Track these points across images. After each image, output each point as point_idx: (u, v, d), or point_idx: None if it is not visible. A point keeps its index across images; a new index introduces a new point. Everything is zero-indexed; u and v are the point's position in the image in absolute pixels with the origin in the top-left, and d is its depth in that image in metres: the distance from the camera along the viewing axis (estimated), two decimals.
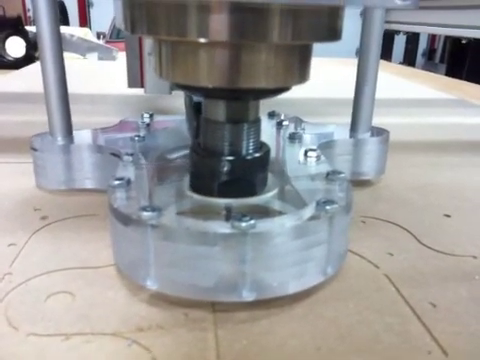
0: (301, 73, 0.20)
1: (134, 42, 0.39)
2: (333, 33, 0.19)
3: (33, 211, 0.26)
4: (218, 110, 0.21)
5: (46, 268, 0.21)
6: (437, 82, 0.88)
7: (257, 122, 0.22)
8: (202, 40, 0.17)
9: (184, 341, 0.17)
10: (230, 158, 0.21)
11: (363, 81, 0.31)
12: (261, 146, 0.23)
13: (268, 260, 0.18)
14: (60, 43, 0.28)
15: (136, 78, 0.40)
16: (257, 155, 0.22)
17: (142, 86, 0.41)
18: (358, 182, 0.32)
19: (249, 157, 0.22)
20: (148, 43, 0.38)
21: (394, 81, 0.86)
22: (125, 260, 0.19)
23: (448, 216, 0.28)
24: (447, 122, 0.54)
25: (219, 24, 0.17)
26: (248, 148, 0.22)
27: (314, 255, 0.19)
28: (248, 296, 0.18)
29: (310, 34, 0.18)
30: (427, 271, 0.22)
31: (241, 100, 0.21)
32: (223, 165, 0.21)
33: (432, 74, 1.03)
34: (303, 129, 0.32)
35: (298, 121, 0.35)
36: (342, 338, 0.17)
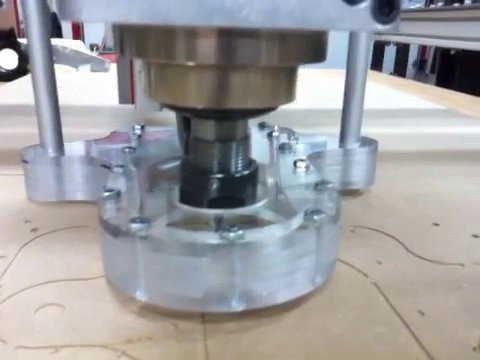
0: (288, 93, 0.20)
1: (125, 59, 0.39)
2: (318, 55, 0.20)
3: (24, 223, 0.26)
4: (207, 129, 0.22)
5: (36, 280, 0.21)
6: (427, 93, 0.89)
7: (246, 140, 0.22)
8: (190, 63, 0.18)
9: (173, 352, 0.17)
10: (219, 176, 0.21)
11: (351, 92, 0.31)
12: (250, 163, 0.23)
13: (257, 270, 0.18)
14: (51, 55, 0.28)
15: (127, 95, 0.40)
16: (246, 172, 0.22)
17: (133, 102, 0.41)
18: (348, 192, 0.32)
19: (238, 175, 0.22)
20: (138, 61, 0.39)
21: (384, 92, 0.87)
22: (115, 272, 0.19)
23: (437, 225, 0.28)
24: (437, 132, 0.54)
25: (207, 48, 0.17)
26: (237, 166, 0.22)
27: (303, 265, 0.19)
28: (237, 306, 0.18)
29: (296, 57, 0.19)
30: (416, 280, 0.22)
31: (229, 120, 0.21)
32: (212, 183, 0.21)
33: (422, 84, 1.05)
34: (293, 140, 0.33)
35: (288, 132, 0.35)
36: (331, 347, 0.18)
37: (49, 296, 0.20)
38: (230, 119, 0.21)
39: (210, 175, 0.21)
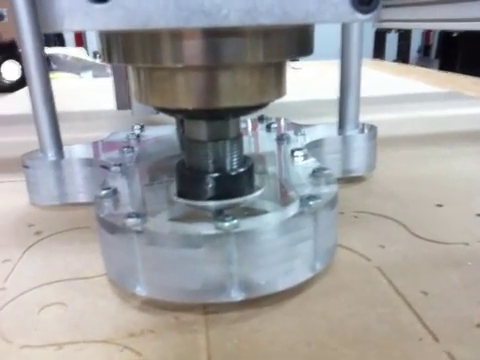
0: (277, 88, 0.20)
1: (120, 65, 0.39)
2: (304, 48, 0.20)
3: (27, 227, 0.27)
4: (200, 130, 0.21)
5: (39, 281, 0.21)
6: (430, 77, 0.88)
7: (239, 138, 0.22)
8: (178, 65, 0.18)
9: (175, 344, 0.17)
10: (215, 175, 0.21)
11: (347, 79, 0.31)
12: (245, 160, 0.23)
13: (254, 258, 0.18)
14: (45, 63, 0.28)
15: (124, 100, 0.40)
16: (241, 170, 0.22)
17: (130, 108, 0.41)
18: (350, 179, 0.32)
19: (233, 173, 0.22)
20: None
21: (387, 79, 0.86)
22: (114, 268, 0.20)
23: (440, 206, 0.28)
24: (440, 115, 0.54)
25: (193, 49, 0.17)
26: (232, 164, 0.22)
27: (300, 251, 0.19)
28: (237, 296, 0.18)
29: (281, 52, 0.19)
30: (419, 261, 0.22)
31: (221, 119, 0.21)
32: (208, 183, 0.21)
33: (425, 69, 1.04)
34: (292, 130, 0.33)
35: (287, 123, 0.35)
36: (333, 332, 0.18)
37: (52, 296, 0.20)
38: (222, 118, 0.21)
39: (205, 175, 0.21)
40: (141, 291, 0.18)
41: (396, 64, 1.37)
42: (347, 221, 0.26)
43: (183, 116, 0.21)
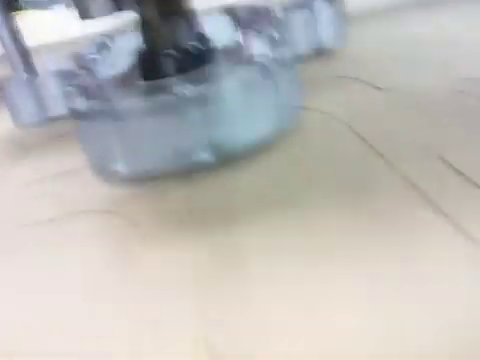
0: None
1: None
2: None
3: (15, 146, 0.28)
4: (149, 6, 0.22)
5: (33, 179, 0.23)
6: None
7: (191, 14, 0.22)
8: None
9: (157, 208, 0.19)
10: (172, 51, 0.22)
11: None
12: (202, 36, 0.23)
13: (218, 121, 0.19)
14: None
15: (85, 8, 0.39)
16: (198, 45, 0.22)
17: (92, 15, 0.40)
18: (321, 51, 0.32)
19: (191, 47, 0.22)
20: None
21: None
22: (94, 155, 0.21)
23: (411, 61, 0.29)
24: None
25: None
26: (188, 39, 0.22)
27: (262, 110, 0.20)
28: (207, 157, 0.19)
29: None
30: (381, 109, 0.23)
31: None
32: (165, 60, 0.21)
33: None
34: (255, 14, 0.32)
35: (252, 8, 0.35)
36: (308, 181, 0.19)
37: (45, 187, 0.22)
38: None
39: (163, 52, 0.22)
40: (121, 169, 0.20)
41: None
42: (314, 86, 0.27)
43: None
